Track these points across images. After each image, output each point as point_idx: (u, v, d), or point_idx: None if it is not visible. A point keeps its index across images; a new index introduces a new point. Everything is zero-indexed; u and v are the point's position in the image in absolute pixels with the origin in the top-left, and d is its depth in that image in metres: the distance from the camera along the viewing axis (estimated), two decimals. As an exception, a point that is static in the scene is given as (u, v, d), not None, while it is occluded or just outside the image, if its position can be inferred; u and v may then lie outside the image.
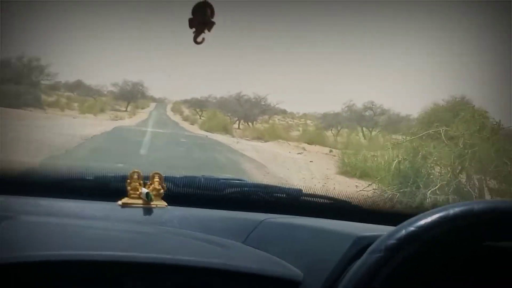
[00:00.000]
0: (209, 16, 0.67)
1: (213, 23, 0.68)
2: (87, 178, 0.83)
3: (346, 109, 24.90)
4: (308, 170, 9.23)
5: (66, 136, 10.31)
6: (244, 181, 0.92)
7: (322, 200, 0.90)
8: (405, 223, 0.59)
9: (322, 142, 19.27)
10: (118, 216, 0.77)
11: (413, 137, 5.77)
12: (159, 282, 0.66)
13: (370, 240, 0.61)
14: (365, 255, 0.58)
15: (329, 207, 0.90)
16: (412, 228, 0.58)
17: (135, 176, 0.76)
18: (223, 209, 0.82)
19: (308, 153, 14.23)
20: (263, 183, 0.94)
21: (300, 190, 0.89)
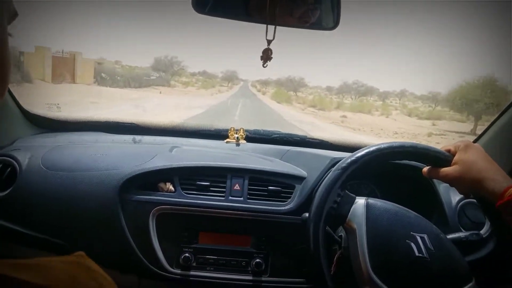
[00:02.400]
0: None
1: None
2: (212, 129, 1.42)
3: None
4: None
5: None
6: (280, 131, 1.45)
7: (317, 141, 1.40)
8: (353, 153, 0.87)
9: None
10: (224, 147, 1.35)
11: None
12: (242, 177, 1.10)
13: (339, 160, 0.91)
14: (331, 171, 0.87)
15: (321, 143, 1.40)
16: (354, 156, 0.86)
17: (232, 129, 1.39)
18: (271, 144, 1.38)
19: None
20: (290, 132, 1.43)
21: (305, 136, 1.43)
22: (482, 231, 0.99)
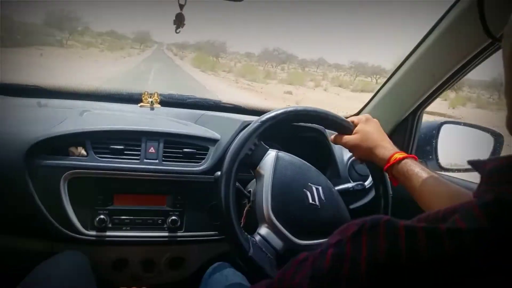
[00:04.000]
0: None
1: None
2: (125, 93, 1.43)
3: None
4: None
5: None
6: (194, 96, 1.52)
7: (231, 105, 1.51)
8: (271, 111, 0.95)
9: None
10: (138, 111, 1.38)
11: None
12: (156, 140, 1.14)
13: (249, 122, 0.97)
14: (251, 123, 0.93)
15: (235, 108, 1.51)
16: (273, 113, 0.93)
17: (146, 93, 1.41)
18: (185, 108, 1.44)
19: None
20: (205, 97, 1.50)
21: (220, 100, 1.53)
22: (366, 183, 1.25)
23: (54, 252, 1.05)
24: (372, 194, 1.24)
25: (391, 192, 1.03)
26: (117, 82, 11.74)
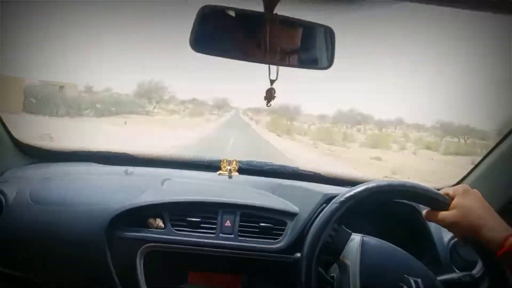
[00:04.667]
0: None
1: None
2: (204, 160, 1.45)
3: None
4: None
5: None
6: (273, 163, 1.47)
7: (310, 173, 1.43)
8: (351, 188, 0.87)
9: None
10: (216, 179, 1.38)
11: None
12: (233, 213, 1.11)
13: (332, 195, 0.93)
14: (329, 205, 0.87)
15: (314, 176, 1.42)
16: (353, 191, 0.86)
17: (225, 160, 1.41)
18: (263, 177, 1.40)
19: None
20: (281, 164, 1.46)
21: (297, 167, 1.46)
22: (474, 271, 1.03)
23: None
24: (485, 285, 1.04)
25: None
26: (199, 148, 12.42)
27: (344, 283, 0.84)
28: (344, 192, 0.87)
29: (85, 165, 1.35)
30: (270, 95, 0.91)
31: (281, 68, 0.89)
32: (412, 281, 0.82)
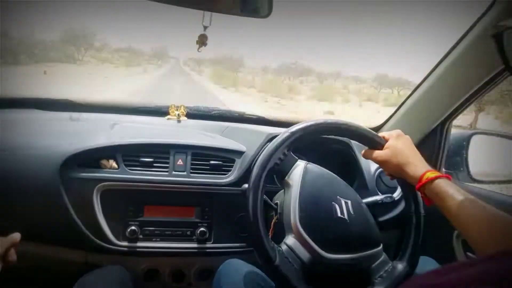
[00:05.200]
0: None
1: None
2: (153, 106, 1.49)
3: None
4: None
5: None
6: (219, 108, 1.57)
7: (252, 116, 1.55)
8: (301, 122, 0.98)
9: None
10: (165, 123, 1.43)
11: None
12: (184, 153, 1.19)
13: (276, 134, 1.01)
14: (281, 134, 0.96)
15: (259, 120, 1.54)
16: (303, 125, 0.96)
17: (172, 106, 1.47)
18: (212, 121, 1.49)
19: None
20: (228, 109, 1.55)
21: (244, 112, 1.57)
22: (394, 195, 1.26)
23: (88, 262, 1.11)
24: (401, 206, 1.26)
25: (423, 212, 1.02)
26: (140, 96, 12.00)
27: (286, 202, 0.97)
28: (296, 125, 0.96)
29: (26, 112, 1.33)
30: (202, 40, 0.95)
31: (221, 17, 0.93)
32: (343, 201, 0.99)
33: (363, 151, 1.05)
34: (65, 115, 1.33)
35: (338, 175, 1.06)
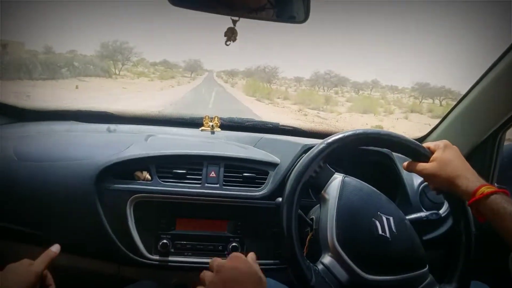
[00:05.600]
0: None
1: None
2: (187, 117, 1.51)
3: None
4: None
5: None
6: (253, 119, 1.56)
7: (289, 128, 1.52)
8: (338, 133, 0.95)
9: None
10: (199, 135, 1.44)
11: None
12: (217, 164, 1.18)
13: (312, 145, 1.01)
14: (316, 145, 0.94)
15: (294, 131, 1.51)
16: (341, 135, 0.93)
17: (206, 117, 1.48)
18: (245, 132, 1.48)
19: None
20: (262, 120, 1.54)
21: (278, 123, 1.54)
22: (441, 211, 1.17)
23: (120, 274, 1.11)
24: (448, 224, 1.17)
25: (474, 230, 0.94)
26: (175, 108, 12.49)
27: (323, 218, 0.92)
28: (333, 135, 0.93)
29: (66, 124, 1.37)
30: (231, 33, 0.93)
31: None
32: (384, 218, 0.92)
33: (405, 163, 0.99)
34: (103, 126, 1.37)
35: (378, 190, 1.02)
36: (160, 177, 1.13)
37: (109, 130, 1.35)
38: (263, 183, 1.19)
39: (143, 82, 27.83)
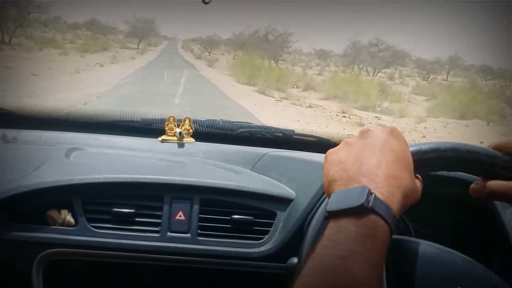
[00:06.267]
0: None
1: None
2: (136, 120, 1.51)
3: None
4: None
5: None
6: (251, 123, 1.60)
7: (309, 138, 1.56)
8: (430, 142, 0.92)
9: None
10: (158, 149, 1.47)
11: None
12: (189, 199, 1.20)
13: None
14: None
15: (314, 143, 1.56)
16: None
17: (171, 119, 1.52)
18: (236, 144, 1.52)
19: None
20: (265, 125, 1.61)
21: (293, 131, 1.58)
22: None
23: None
24: None
25: None
26: (113, 102, 12.29)
27: None
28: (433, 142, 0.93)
29: None
30: None
31: None
32: None
33: (473, 185, 0.95)
34: None
35: (460, 247, 1.02)
36: (90, 220, 1.16)
37: (4, 140, 1.38)
38: (266, 233, 1.22)
39: (50, 56, 26.95)
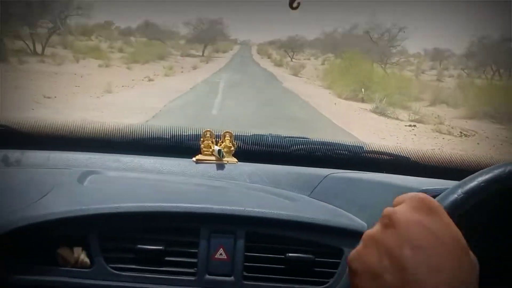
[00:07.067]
0: None
1: None
2: (164, 136, 1.58)
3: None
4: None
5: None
6: (308, 139, 1.62)
7: (382, 156, 1.57)
8: (467, 178, 0.93)
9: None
10: (193, 171, 1.52)
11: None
12: (232, 233, 1.23)
13: (432, 193, 0.91)
14: (442, 195, 0.92)
15: (390, 162, 1.56)
16: (490, 174, 0.91)
17: (208, 135, 1.56)
18: (289, 165, 1.55)
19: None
20: (326, 140, 1.60)
21: (362, 147, 1.60)
22: None
23: None
24: None
25: None
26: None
27: None
28: (476, 175, 0.93)
29: None
30: None
31: None
32: None
33: None
34: None
35: None
36: (108, 260, 1.20)
37: (5, 162, 1.46)
38: (331, 276, 1.24)
39: (85, 69, 26.65)
